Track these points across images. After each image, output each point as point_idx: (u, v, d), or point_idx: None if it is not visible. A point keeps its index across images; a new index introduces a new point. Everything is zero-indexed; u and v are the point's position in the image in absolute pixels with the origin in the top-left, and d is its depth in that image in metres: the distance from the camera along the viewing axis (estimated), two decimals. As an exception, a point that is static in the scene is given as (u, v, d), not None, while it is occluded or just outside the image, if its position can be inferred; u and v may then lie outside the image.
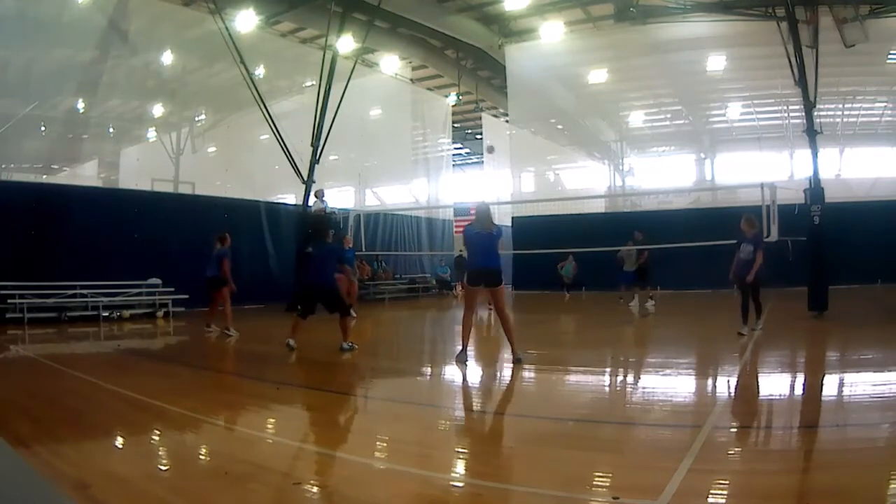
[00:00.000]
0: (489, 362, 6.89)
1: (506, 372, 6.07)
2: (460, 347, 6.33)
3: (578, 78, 19.54)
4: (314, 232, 7.99)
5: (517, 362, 6.04)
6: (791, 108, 17.01)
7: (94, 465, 3.18)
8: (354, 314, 10.25)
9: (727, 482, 2.85)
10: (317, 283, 7.29)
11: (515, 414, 4.65)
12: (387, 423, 4.25)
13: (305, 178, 13.71)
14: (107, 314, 11.57)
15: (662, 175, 21.67)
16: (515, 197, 21.29)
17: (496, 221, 6.77)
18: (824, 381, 5.46)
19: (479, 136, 26.56)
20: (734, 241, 7.98)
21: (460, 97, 21.93)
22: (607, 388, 5.66)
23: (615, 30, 16.91)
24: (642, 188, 21.23)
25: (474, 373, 6.16)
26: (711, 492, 2.70)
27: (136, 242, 12.34)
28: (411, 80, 22.00)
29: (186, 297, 12.49)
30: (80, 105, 14.82)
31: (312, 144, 13.59)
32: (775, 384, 5.44)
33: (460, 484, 3.00)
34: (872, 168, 18.00)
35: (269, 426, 4.33)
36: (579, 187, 21.54)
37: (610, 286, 13.85)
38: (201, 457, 3.51)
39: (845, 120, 17.93)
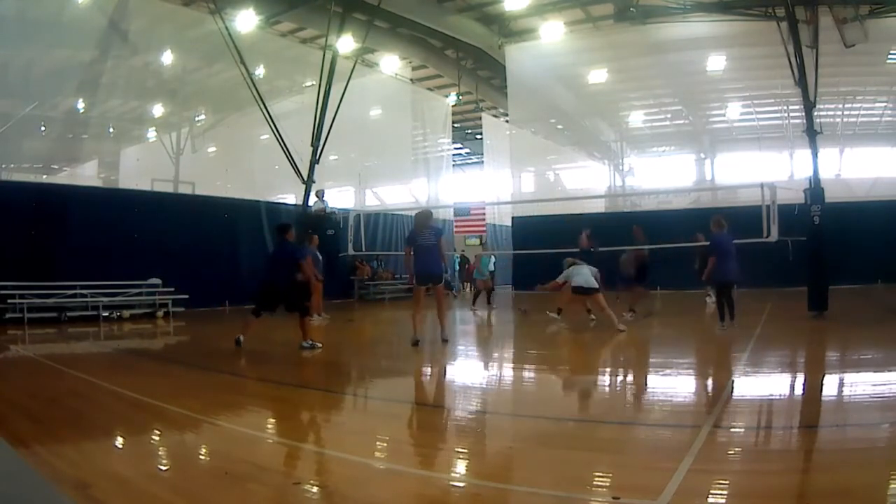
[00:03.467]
0: (488, 362, 6.90)
1: (506, 372, 6.08)
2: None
3: (578, 78, 19.54)
4: (277, 230, 7.96)
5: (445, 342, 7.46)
6: (791, 108, 17.02)
7: (94, 465, 3.18)
8: (319, 315, 10.69)
9: (727, 482, 2.85)
10: (274, 281, 7.33)
11: (515, 414, 4.65)
12: (386, 423, 4.24)
13: (305, 178, 13.71)
14: (107, 314, 11.56)
15: (662, 175, 21.68)
16: (515, 197, 21.29)
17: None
18: (824, 381, 5.45)
19: (479, 136, 26.56)
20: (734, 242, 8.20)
21: (460, 97, 21.92)
22: (607, 388, 5.66)
23: (615, 30, 16.90)
24: (642, 188, 21.23)
25: (473, 373, 6.16)
26: (711, 492, 2.70)
27: (136, 242, 12.32)
28: (411, 80, 21.99)
29: (186, 297, 12.50)
30: (80, 105, 14.82)
31: (312, 144, 13.59)
32: (775, 384, 5.43)
33: (460, 484, 3.00)
34: (872, 168, 18.01)
35: (269, 426, 4.33)
36: (579, 187, 21.55)
37: (610, 286, 13.85)
38: (201, 457, 3.51)
39: (845, 120, 17.94)
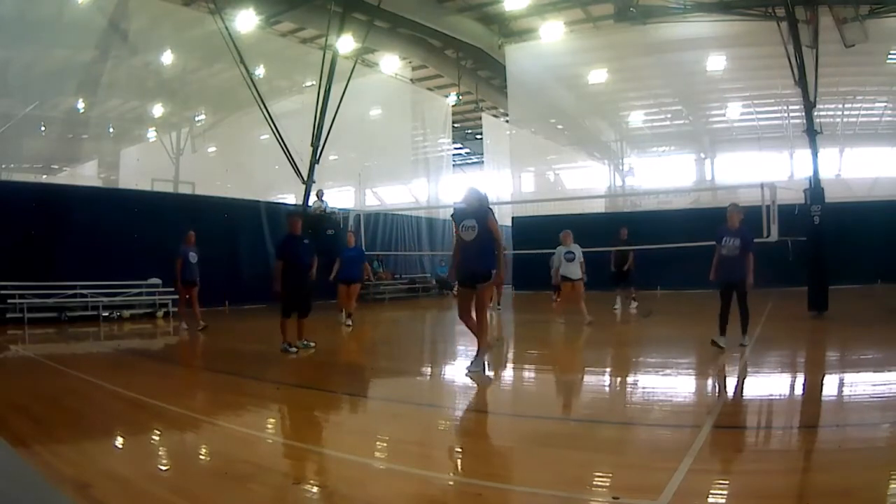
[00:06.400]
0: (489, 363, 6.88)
1: (505, 372, 6.07)
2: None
3: (578, 78, 19.54)
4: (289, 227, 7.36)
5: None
6: (791, 108, 17.03)
7: (94, 465, 3.18)
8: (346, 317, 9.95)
9: (727, 482, 2.86)
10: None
11: (515, 414, 4.65)
12: (386, 423, 4.24)
13: (305, 178, 13.70)
14: (107, 314, 11.57)
15: (662, 175, 21.69)
16: (515, 197, 21.29)
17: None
18: (824, 381, 5.46)
19: (479, 136, 26.56)
20: (712, 241, 6.91)
21: (460, 97, 21.93)
22: (607, 388, 5.65)
23: (615, 30, 16.89)
24: (642, 188, 21.23)
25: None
26: (711, 492, 2.71)
27: (136, 242, 12.32)
28: (411, 80, 22.00)
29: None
30: (80, 105, 14.83)
31: (312, 144, 13.58)
32: (775, 384, 5.44)
33: (461, 484, 3.00)
34: (872, 168, 18.02)
35: (269, 426, 4.33)
36: (579, 187, 21.56)
37: (609, 286, 13.87)
38: (201, 457, 3.51)
39: (845, 120, 17.94)
